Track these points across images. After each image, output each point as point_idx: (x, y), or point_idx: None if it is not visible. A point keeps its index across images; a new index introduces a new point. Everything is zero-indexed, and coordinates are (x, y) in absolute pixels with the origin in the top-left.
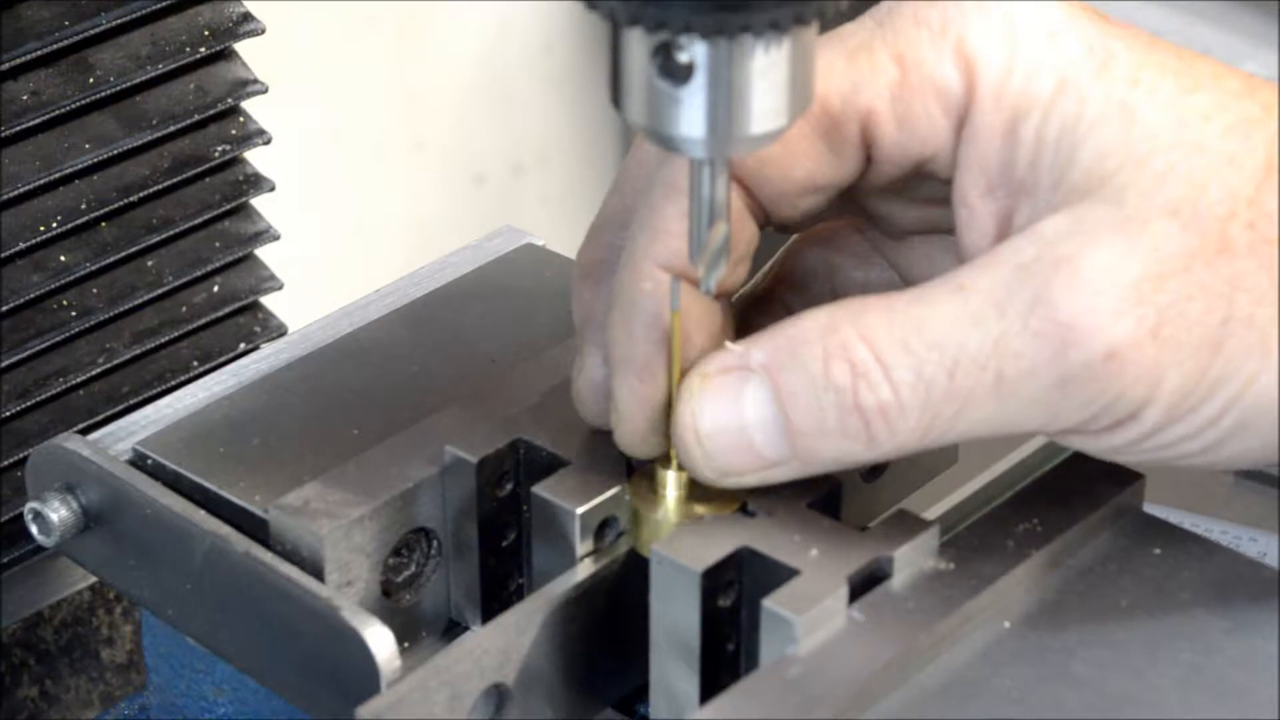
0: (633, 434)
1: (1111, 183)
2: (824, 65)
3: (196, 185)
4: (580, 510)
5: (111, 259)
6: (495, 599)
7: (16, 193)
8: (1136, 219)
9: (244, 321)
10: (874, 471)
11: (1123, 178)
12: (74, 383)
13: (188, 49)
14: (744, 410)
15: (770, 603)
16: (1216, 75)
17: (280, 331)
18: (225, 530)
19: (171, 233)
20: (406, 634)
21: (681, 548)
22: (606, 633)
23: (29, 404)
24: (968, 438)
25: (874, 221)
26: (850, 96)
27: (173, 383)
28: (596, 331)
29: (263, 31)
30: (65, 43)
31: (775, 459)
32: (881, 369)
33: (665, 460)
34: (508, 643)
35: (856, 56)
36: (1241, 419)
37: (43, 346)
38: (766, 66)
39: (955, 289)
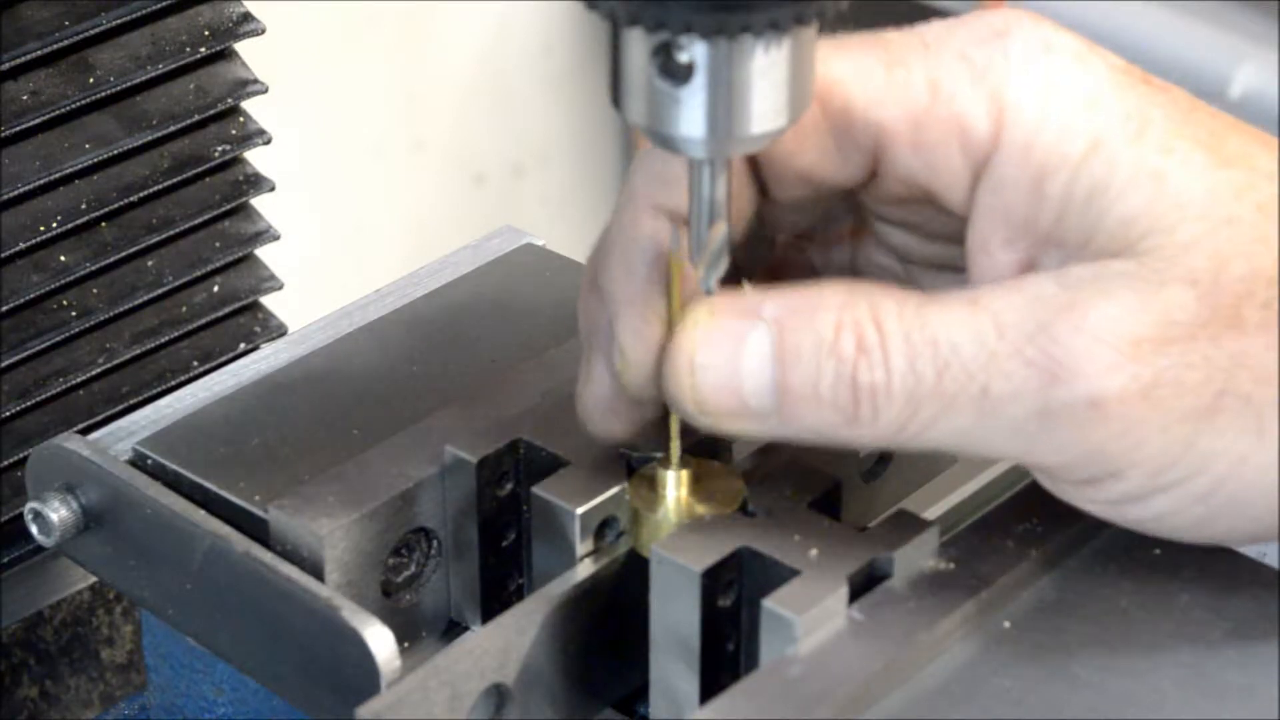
0: (639, 376)
1: (1137, 246)
2: (860, 67)
3: (196, 185)
4: (580, 510)
5: (111, 259)
6: (495, 599)
7: (16, 193)
8: (1154, 281)
9: (244, 321)
10: (873, 471)
11: (1148, 243)
12: (74, 383)
13: (188, 49)
14: (742, 354)
15: (770, 603)
16: (1249, 153)
17: (280, 331)
18: (225, 530)
19: (171, 233)
20: (406, 634)
21: (681, 548)
22: (606, 633)
23: (29, 404)
24: (944, 446)
25: (888, 250)
26: (873, 106)
27: (173, 383)
28: (604, 341)
29: (263, 31)
30: (65, 43)
31: (758, 411)
32: (883, 352)
33: (665, 460)
34: (508, 643)
35: (893, 70)
36: (1232, 497)
37: (43, 346)
38: (766, 66)
39: (969, 301)
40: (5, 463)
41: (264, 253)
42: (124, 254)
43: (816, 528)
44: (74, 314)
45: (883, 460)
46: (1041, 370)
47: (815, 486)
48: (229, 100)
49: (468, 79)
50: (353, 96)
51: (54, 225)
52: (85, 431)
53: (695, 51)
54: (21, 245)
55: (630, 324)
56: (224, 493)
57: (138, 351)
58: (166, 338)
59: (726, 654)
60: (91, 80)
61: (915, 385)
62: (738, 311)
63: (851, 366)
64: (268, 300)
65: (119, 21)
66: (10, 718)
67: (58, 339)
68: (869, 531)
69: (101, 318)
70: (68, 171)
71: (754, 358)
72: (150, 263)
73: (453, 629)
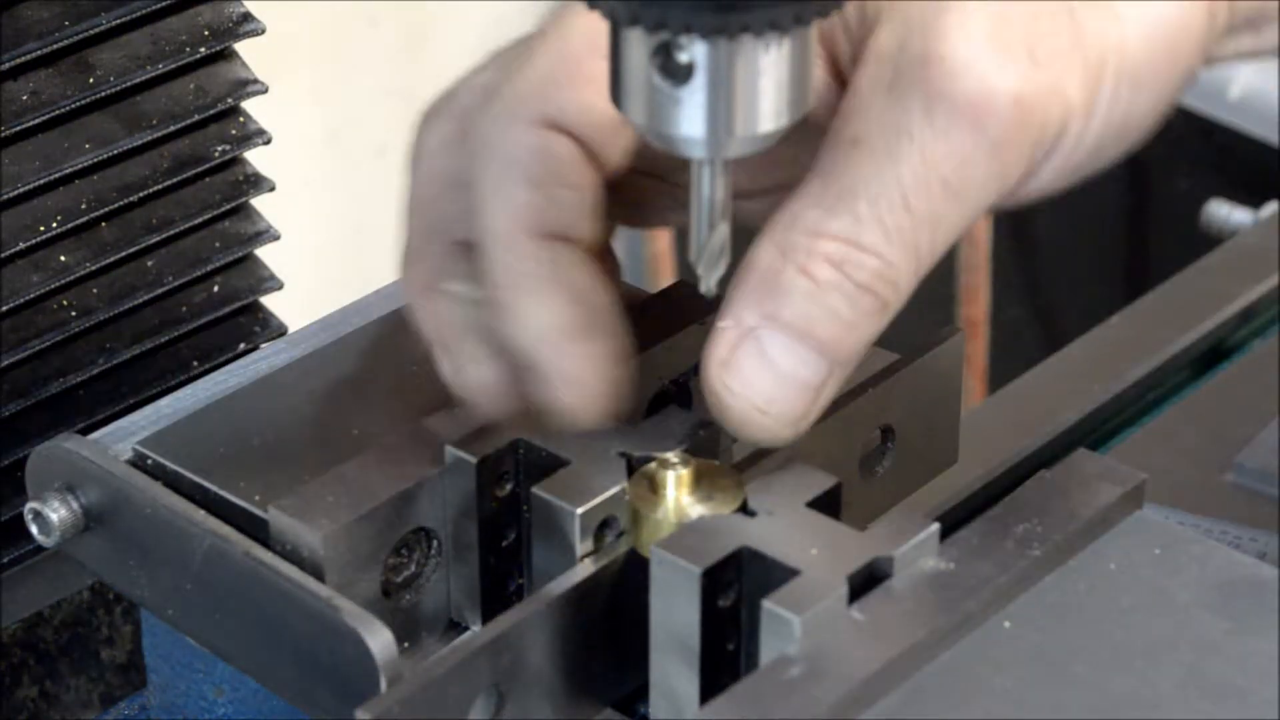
0: (591, 396)
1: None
2: None
3: (196, 185)
4: (580, 510)
5: (111, 259)
6: (495, 599)
7: (16, 193)
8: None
9: (244, 321)
10: (871, 469)
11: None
12: (74, 383)
13: (188, 49)
14: (778, 363)
15: (770, 603)
16: None
17: (280, 331)
18: (225, 530)
19: (171, 233)
20: (406, 634)
21: (681, 548)
22: (606, 633)
23: (29, 404)
24: (954, 239)
25: None
26: None
27: (173, 383)
28: (466, 332)
29: (263, 31)
30: (65, 43)
31: (822, 379)
32: (852, 245)
33: (665, 460)
34: (508, 643)
35: None
36: (1134, 81)
37: (43, 346)
38: (766, 66)
39: (852, 147)
40: (5, 463)
41: (264, 253)
42: (124, 254)
43: (816, 528)
44: (74, 314)
45: (883, 443)
46: (963, 123)
47: (815, 486)
48: (229, 100)
49: None
50: (353, 96)
51: (54, 225)
52: (85, 431)
53: (695, 51)
54: (21, 245)
55: (574, 349)
56: (224, 493)
57: (138, 351)
58: (166, 338)
59: (726, 654)
60: (91, 80)
61: (900, 236)
62: (737, 344)
63: (848, 280)
64: (268, 300)
65: (119, 21)
66: (10, 718)
67: (58, 339)
68: (869, 531)
69: (101, 318)
70: (68, 171)
71: (785, 354)
72: (150, 263)
73: (453, 629)
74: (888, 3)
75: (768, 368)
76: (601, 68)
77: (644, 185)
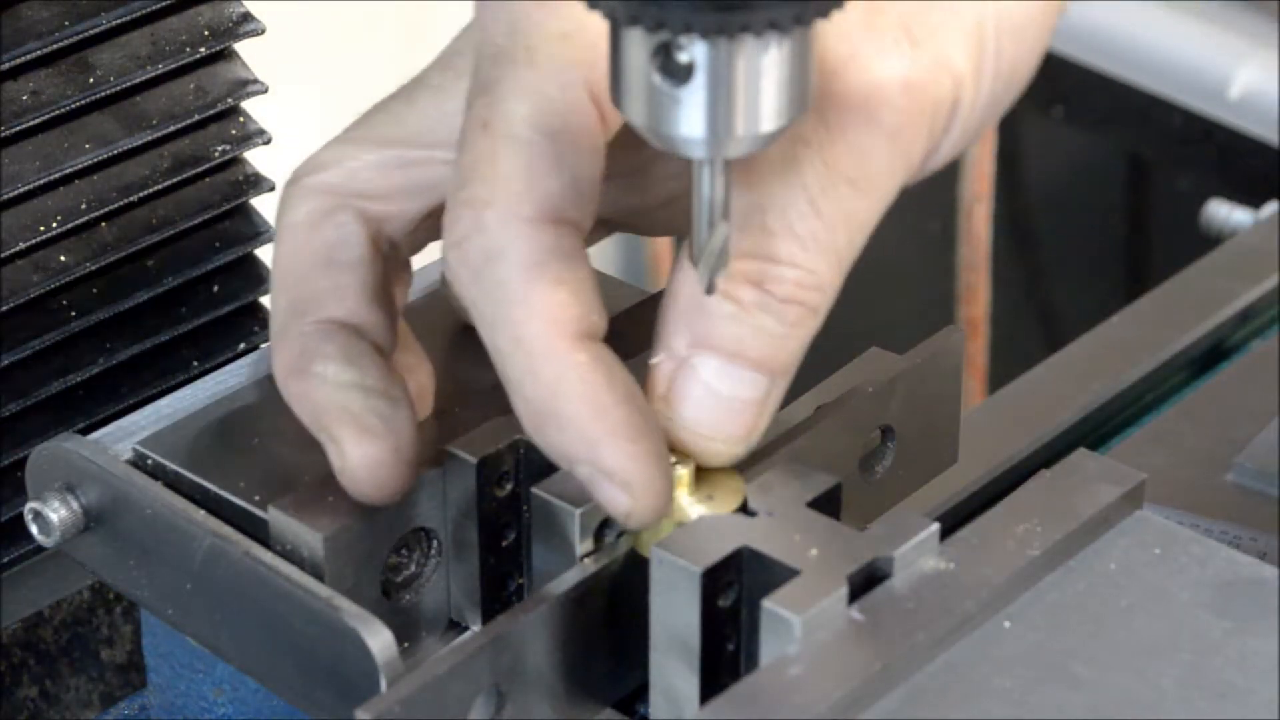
0: (657, 495)
1: None
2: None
3: (196, 185)
4: (580, 510)
5: (111, 259)
6: (495, 599)
7: (16, 193)
8: None
9: (244, 321)
10: (871, 469)
11: None
12: (74, 383)
13: (188, 49)
14: (716, 389)
15: (770, 603)
16: None
17: None
18: (225, 530)
19: (171, 233)
20: (406, 634)
21: (681, 548)
22: (606, 633)
23: (29, 404)
24: (871, 230)
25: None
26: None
27: (173, 383)
28: (344, 416)
29: (263, 31)
30: (65, 43)
31: (764, 393)
32: (768, 260)
33: None
34: (508, 643)
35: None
36: (1015, 35)
37: (43, 346)
38: (767, 66)
39: (751, 163)
40: (5, 463)
41: (264, 253)
42: (124, 254)
43: (816, 528)
44: (74, 314)
45: (883, 443)
46: (856, 119)
47: (815, 486)
48: (229, 100)
49: None
50: (353, 96)
51: (54, 225)
52: (85, 431)
53: (695, 51)
54: (21, 245)
55: (631, 450)
56: (224, 493)
57: (138, 351)
58: (166, 338)
59: (726, 654)
60: (91, 80)
61: (816, 241)
62: (673, 376)
63: (771, 297)
64: (267, 300)
65: (119, 21)
66: (10, 718)
67: (58, 339)
68: (869, 531)
69: (101, 318)
70: (68, 171)
71: (720, 377)
72: (150, 263)
73: (453, 629)
74: None
75: (707, 394)
76: (565, 146)
77: None
